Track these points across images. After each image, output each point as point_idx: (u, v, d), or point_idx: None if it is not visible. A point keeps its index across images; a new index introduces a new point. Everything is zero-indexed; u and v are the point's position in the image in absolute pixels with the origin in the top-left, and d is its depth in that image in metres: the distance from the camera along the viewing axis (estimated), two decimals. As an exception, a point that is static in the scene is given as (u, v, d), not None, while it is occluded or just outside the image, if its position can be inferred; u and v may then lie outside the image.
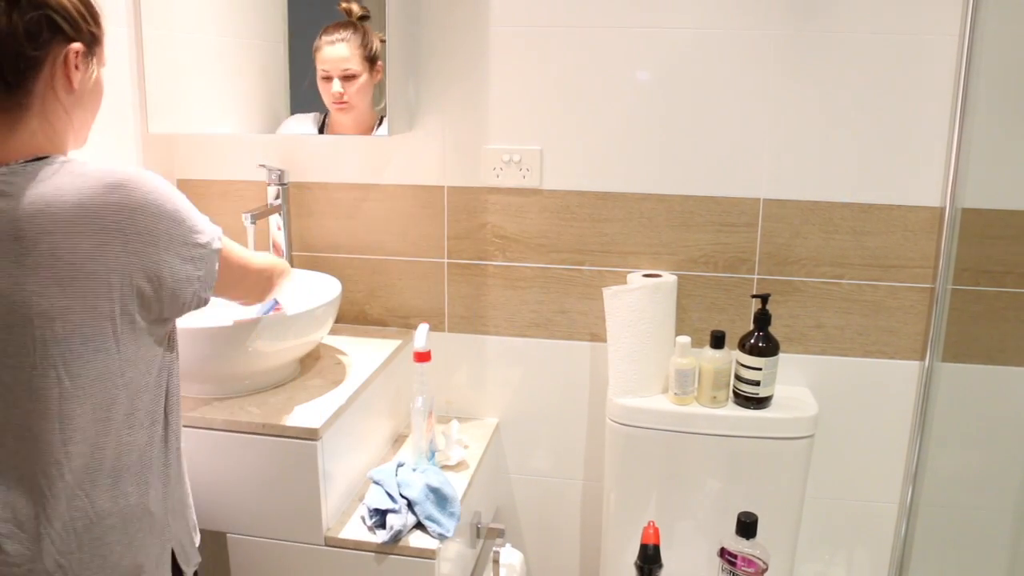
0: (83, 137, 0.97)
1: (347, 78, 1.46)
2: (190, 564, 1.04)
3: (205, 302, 0.95)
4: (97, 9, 0.92)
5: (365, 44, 1.46)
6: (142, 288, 0.87)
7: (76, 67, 0.89)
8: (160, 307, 0.90)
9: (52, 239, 0.82)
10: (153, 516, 0.95)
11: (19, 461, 0.86)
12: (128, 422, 0.91)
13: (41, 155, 0.87)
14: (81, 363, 0.85)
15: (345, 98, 1.47)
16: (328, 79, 1.47)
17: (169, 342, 0.97)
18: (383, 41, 1.45)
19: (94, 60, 0.92)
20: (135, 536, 0.93)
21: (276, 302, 1.32)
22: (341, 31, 1.46)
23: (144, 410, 0.93)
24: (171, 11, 1.51)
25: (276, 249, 1.61)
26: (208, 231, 0.94)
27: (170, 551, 0.99)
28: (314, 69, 1.48)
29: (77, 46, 0.88)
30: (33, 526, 0.86)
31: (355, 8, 1.46)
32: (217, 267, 0.95)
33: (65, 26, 0.86)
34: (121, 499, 0.91)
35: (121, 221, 0.84)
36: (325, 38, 1.47)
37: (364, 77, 1.47)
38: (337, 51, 1.46)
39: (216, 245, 0.95)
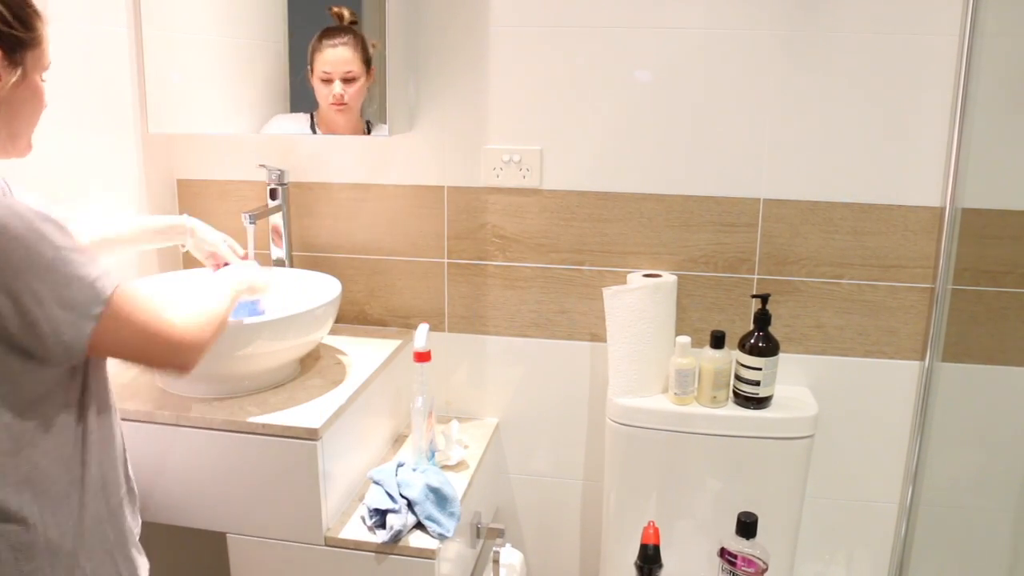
0: (17, 147, 0.91)
1: (347, 80, 1.47)
2: None
3: (74, 357, 0.85)
4: (30, 11, 0.87)
5: (363, 48, 1.48)
6: None
7: None
8: (20, 349, 0.82)
9: None
10: (55, 548, 0.89)
11: None
12: (13, 450, 0.85)
13: None
14: None
15: (345, 99, 1.48)
16: (328, 81, 1.48)
17: (72, 376, 0.90)
18: (374, 46, 1.47)
19: (21, 65, 0.86)
20: (25, 566, 0.87)
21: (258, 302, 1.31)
22: (341, 35, 1.47)
23: (30, 433, 0.86)
24: (171, 11, 1.51)
25: (276, 236, 1.61)
26: (85, 293, 0.83)
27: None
28: (307, 69, 1.49)
29: None
30: None
31: (346, 13, 1.48)
32: (88, 332, 0.83)
33: None
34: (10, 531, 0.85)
35: None
36: (327, 41, 1.48)
37: (362, 80, 1.48)
38: (340, 53, 1.47)
39: (94, 309, 0.83)
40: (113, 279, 0.86)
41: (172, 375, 1.07)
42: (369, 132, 1.51)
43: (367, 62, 1.48)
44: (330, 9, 1.48)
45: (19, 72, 0.86)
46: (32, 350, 0.83)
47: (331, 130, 1.52)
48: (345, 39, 1.47)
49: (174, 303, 0.95)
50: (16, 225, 0.79)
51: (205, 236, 1.32)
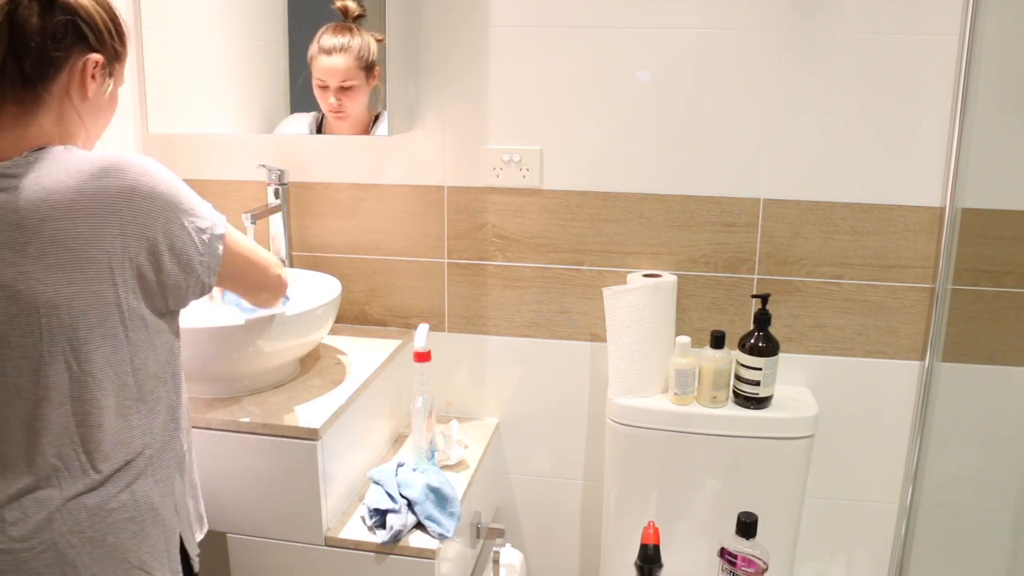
0: (92, 146, 0.98)
1: (344, 89, 1.45)
2: (192, 551, 1.04)
3: (208, 288, 0.96)
4: (125, 29, 0.96)
5: (362, 54, 1.44)
6: (144, 273, 0.88)
7: (93, 77, 0.92)
8: (164, 295, 0.91)
9: (53, 225, 0.83)
10: (160, 506, 0.96)
11: (28, 450, 0.86)
12: (137, 408, 0.92)
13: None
14: (89, 349, 0.86)
15: (343, 109, 1.46)
16: (325, 88, 1.46)
17: (176, 329, 0.98)
18: (379, 40, 1.44)
19: (112, 75, 0.96)
20: (144, 522, 0.94)
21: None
22: (339, 37, 1.43)
23: (153, 395, 0.94)
24: (171, 11, 1.51)
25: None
26: (209, 216, 0.95)
27: (178, 537, 1.00)
28: (308, 72, 1.47)
29: (97, 56, 0.92)
30: (44, 511, 0.87)
31: (352, 6, 1.44)
32: (221, 251, 0.96)
33: (90, 36, 0.91)
34: (133, 482, 0.92)
35: (115, 204, 0.85)
36: (323, 46, 1.44)
37: (361, 87, 1.45)
38: (334, 63, 1.44)
39: (219, 230, 0.96)
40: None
41: (275, 301, 1.18)
42: (376, 122, 1.48)
43: (368, 67, 1.44)
44: (334, 3, 1.44)
45: (112, 82, 0.97)
46: (177, 288, 0.92)
47: (336, 132, 1.51)
48: (341, 43, 1.43)
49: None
50: (164, 172, 0.92)
51: None
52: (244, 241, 1.05)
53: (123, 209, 0.86)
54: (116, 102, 1.00)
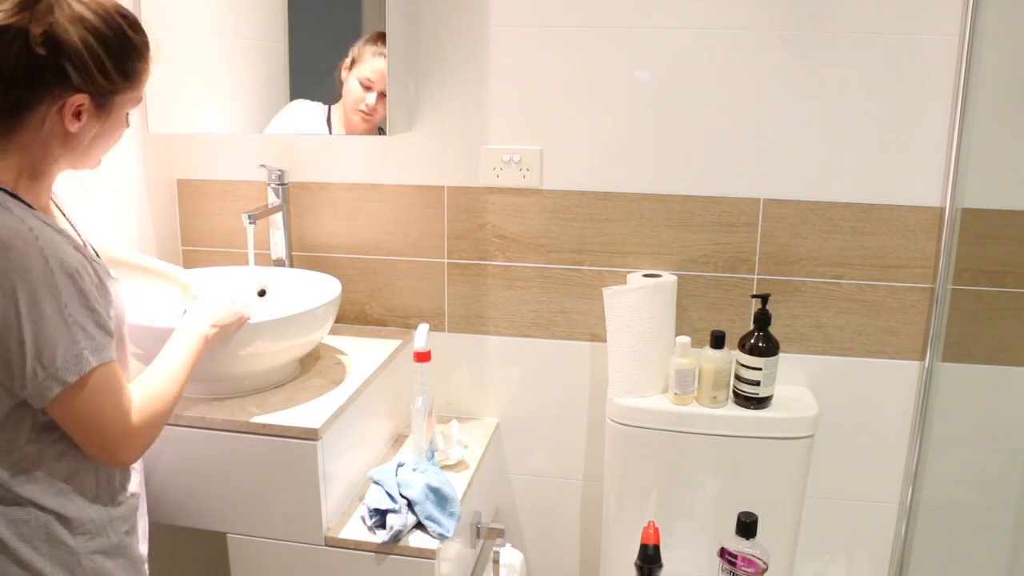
0: (91, 164, 0.95)
1: (382, 94, 1.46)
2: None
3: (41, 407, 0.86)
4: (129, 65, 0.88)
5: None
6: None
7: (77, 116, 0.86)
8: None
9: None
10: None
11: None
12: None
13: None
14: None
15: (375, 112, 1.47)
16: (368, 88, 1.46)
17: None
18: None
19: (108, 111, 0.89)
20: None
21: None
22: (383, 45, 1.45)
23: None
24: (171, 11, 1.51)
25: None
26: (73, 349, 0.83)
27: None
28: (344, 63, 1.47)
29: (80, 98, 0.85)
30: None
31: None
32: (54, 393, 0.84)
33: (74, 75, 0.83)
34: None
35: None
36: (374, 48, 1.45)
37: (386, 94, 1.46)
38: (383, 66, 1.45)
39: (67, 377, 0.84)
40: (104, 353, 0.86)
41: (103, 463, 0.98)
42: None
43: None
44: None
45: (104, 118, 0.89)
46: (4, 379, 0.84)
47: (350, 131, 1.51)
48: (385, 52, 1.44)
49: (143, 398, 0.94)
50: (37, 270, 0.81)
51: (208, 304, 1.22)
52: (103, 395, 0.88)
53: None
54: (122, 125, 0.94)
